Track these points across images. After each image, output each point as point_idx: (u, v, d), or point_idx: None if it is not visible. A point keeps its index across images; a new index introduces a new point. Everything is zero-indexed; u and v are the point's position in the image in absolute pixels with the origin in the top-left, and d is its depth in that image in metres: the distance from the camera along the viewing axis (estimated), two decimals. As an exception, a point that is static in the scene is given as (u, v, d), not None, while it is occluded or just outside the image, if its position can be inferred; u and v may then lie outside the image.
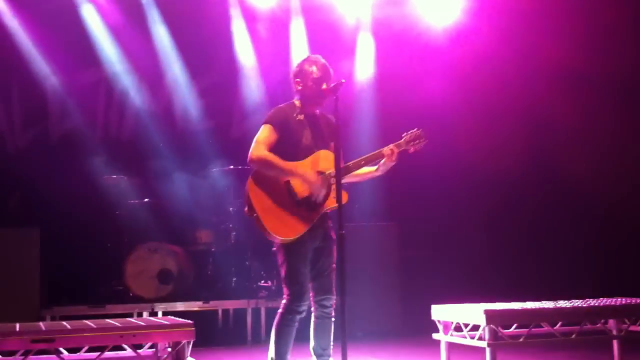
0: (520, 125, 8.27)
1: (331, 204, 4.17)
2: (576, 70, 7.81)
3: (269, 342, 4.29)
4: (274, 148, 4.19)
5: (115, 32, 8.05)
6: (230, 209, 7.33)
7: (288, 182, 4.16)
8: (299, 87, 4.32)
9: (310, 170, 4.18)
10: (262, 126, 4.25)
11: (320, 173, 4.19)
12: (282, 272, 4.22)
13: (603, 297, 4.99)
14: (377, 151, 4.24)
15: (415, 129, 4.30)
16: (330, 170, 4.15)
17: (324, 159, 4.22)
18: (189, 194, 7.75)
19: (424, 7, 8.37)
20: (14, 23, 7.71)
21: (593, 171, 7.81)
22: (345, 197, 3.97)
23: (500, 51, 8.10)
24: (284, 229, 4.10)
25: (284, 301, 4.23)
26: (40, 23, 7.76)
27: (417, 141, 4.27)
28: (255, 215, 4.12)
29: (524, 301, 4.76)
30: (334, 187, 4.06)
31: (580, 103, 7.94)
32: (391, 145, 4.23)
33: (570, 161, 8.02)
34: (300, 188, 4.16)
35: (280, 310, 4.25)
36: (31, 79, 7.85)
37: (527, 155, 8.22)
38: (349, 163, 4.25)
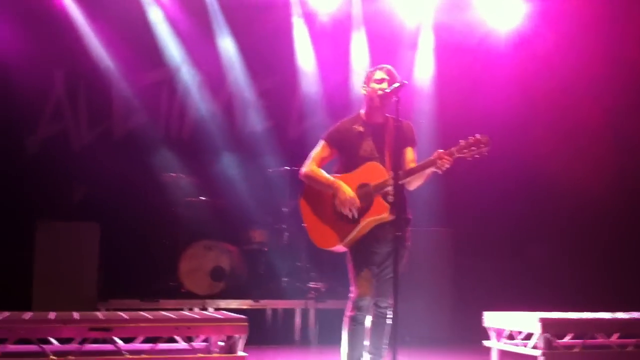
0: (585, 133, 8.08)
1: (375, 214, 4.19)
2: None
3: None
4: (334, 161, 4.41)
5: (180, 34, 8.22)
6: (285, 209, 7.39)
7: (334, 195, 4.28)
8: (364, 92, 4.42)
9: (348, 186, 4.24)
10: (319, 141, 4.44)
11: (364, 186, 4.24)
12: (349, 271, 4.31)
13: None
14: (429, 159, 4.12)
15: (476, 135, 4.09)
16: (376, 182, 4.19)
17: (373, 171, 4.24)
18: (245, 193, 7.86)
19: (486, 12, 8.27)
20: (82, 22, 7.93)
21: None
22: (385, 211, 4.09)
23: (564, 57, 7.95)
24: (321, 239, 4.32)
25: (349, 297, 4.29)
26: (107, 24, 7.97)
27: (475, 148, 4.06)
28: (303, 224, 4.41)
29: (580, 312, 4.67)
30: (378, 198, 4.15)
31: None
32: (442, 152, 4.07)
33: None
34: (339, 200, 4.24)
35: (346, 311, 4.31)
36: (97, 78, 8.07)
37: (591, 165, 8.00)
38: (401, 172, 4.22)
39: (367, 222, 4.21)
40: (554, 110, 8.15)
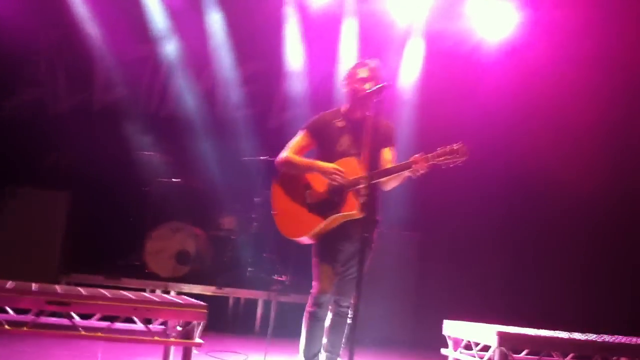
0: (578, 142, 8.07)
1: (345, 210, 4.20)
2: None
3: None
4: (308, 153, 4.41)
5: (170, 11, 8.13)
6: (256, 199, 7.37)
7: (307, 184, 4.29)
8: (345, 89, 4.41)
9: (319, 183, 4.26)
10: (299, 131, 4.44)
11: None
12: (313, 266, 4.33)
13: (618, 333, 4.91)
14: (405, 162, 4.13)
15: (454, 144, 4.08)
16: (350, 178, 4.19)
17: (348, 166, 4.24)
18: (219, 178, 7.81)
19: (478, 21, 8.27)
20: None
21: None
22: (355, 208, 4.12)
23: (555, 65, 7.96)
24: (288, 229, 4.34)
25: (310, 293, 4.32)
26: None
27: (451, 157, 4.06)
28: (273, 213, 4.40)
29: (538, 328, 4.71)
30: (350, 194, 4.15)
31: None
32: (418, 157, 4.08)
33: (622, 185, 7.83)
34: (315, 189, 4.26)
35: (306, 307, 4.33)
36: (82, 47, 7.95)
37: (584, 174, 7.97)
38: (375, 172, 4.22)
39: (336, 217, 4.22)
40: (543, 119, 8.15)
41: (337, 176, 4.20)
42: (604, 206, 7.92)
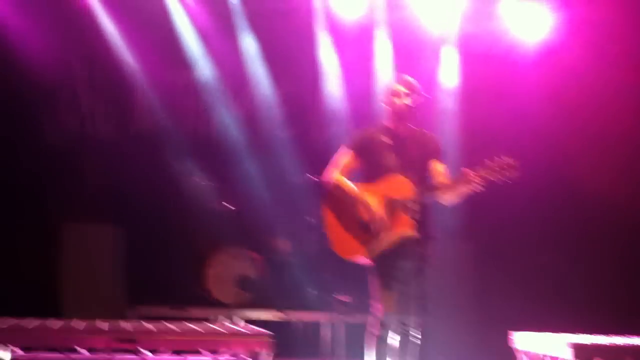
0: (616, 144, 7.93)
1: (400, 230, 4.17)
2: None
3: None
4: (355, 169, 4.38)
5: (203, 36, 8.16)
6: (309, 219, 7.35)
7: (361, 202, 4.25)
8: (385, 105, 4.41)
9: (373, 197, 4.22)
10: (343, 148, 4.44)
11: (389, 199, 4.21)
12: (372, 287, 4.30)
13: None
14: (458, 177, 4.11)
15: (503, 157, 4.03)
16: (402, 196, 4.16)
17: (398, 184, 4.21)
18: (270, 202, 7.83)
19: (512, 22, 8.13)
20: (106, 21, 7.90)
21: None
22: (410, 228, 4.09)
23: (592, 67, 7.83)
24: (342, 248, 4.32)
25: (372, 313, 4.28)
26: (131, 22, 7.89)
27: (503, 170, 4.00)
28: (324, 229, 4.39)
29: (607, 334, 4.58)
30: (403, 213, 4.13)
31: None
32: (472, 174, 4.03)
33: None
34: (364, 213, 4.23)
35: (369, 328, 4.29)
36: (121, 79, 8.03)
37: (624, 178, 7.83)
38: (428, 187, 4.20)
39: (392, 237, 4.19)
40: (582, 121, 8.02)
41: (379, 226, 4.17)
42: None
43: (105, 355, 4.27)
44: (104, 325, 4.37)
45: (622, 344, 4.29)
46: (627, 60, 7.78)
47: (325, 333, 6.97)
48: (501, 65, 8.24)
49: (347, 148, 4.42)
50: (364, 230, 4.25)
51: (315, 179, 7.03)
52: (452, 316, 7.00)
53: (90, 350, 4.30)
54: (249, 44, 8.30)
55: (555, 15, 8.03)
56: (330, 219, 4.38)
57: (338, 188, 4.35)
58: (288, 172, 7.84)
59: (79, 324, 4.37)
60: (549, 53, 8.12)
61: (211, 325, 4.83)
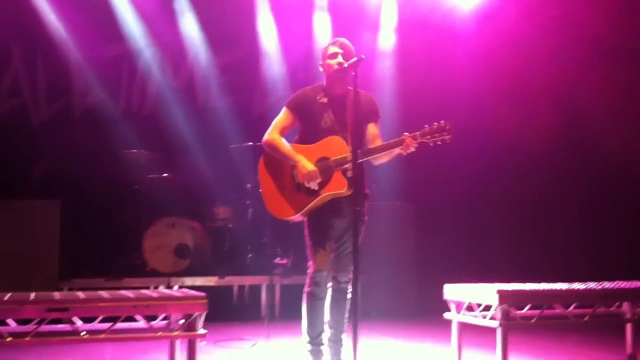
0: (549, 106, 8.15)
1: (333, 189, 4.22)
2: (610, 46, 7.65)
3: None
4: (295, 130, 4.40)
5: (140, 8, 8.07)
6: (248, 185, 7.35)
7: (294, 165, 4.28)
8: (321, 68, 4.42)
9: (308, 159, 4.25)
10: (282, 109, 4.42)
11: (324, 159, 4.25)
12: (307, 246, 4.35)
13: (619, 279, 4.93)
14: (393, 140, 4.17)
15: (441, 122, 4.12)
16: (337, 156, 4.20)
17: (334, 145, 4.26)
18: (207, 170, 7.79)
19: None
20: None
21: (626, 153, 7.63)
22: (343, 186, 4.16)
23: (528, 30, 7.99)
24: (277, 209, 4.34)
25: (307, 273, 4.33)
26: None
27: (438, 135, 4.10)
28: (260, 191, 4.42)
29: (539, 282, 4.72)
30: (338, 172, 4.18)
31: (615, 80, 7.76)
32: (409, 136, 4.11)
33: (601, 143, 7.87)
34: (298, 172, 4.27)
35: (304, 287, 4.34)
36: (55, 53, 7.90)
37: (552, 137, 8.09)
38: (364, 149, 4.24)
39: (325, 195, 4.24)
40: (517, 84, 8.19)
41: (313, 182, 4.20)
42: (599, 157, 7.96)
43: (34, 326, 4.17)
44: (32, 295, 4.27)
45: (547, 289, 4.43)
46: (559, 27, 7.95)
47: (264, 296, 7.03)
48: (438, 30, 8.34)
49: (285, 108, 4.42)
50: (297, 189, 4.28)
51: (253, 145, 7.05)
52: (390, 273, 7.12)
53: (18, 322, 4.20)
54: (187, 14, 8.22)
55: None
56: (266, 180, 4.40)
57: (273, 148, 4.34)
58: (228, 140, 7.78)
59: (6, 296, 4.26)
60: (485, 18, 8.26)
61: (144, 291, 4.79)
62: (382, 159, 4.31)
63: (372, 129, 4.38)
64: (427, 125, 4.14)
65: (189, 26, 8.28)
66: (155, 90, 8.34)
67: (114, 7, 7.99)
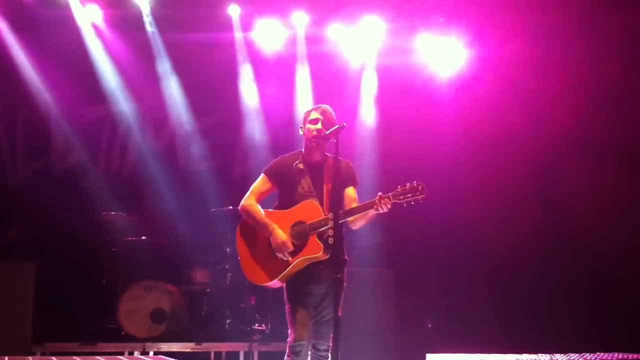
0: (526, 173, 8.24)
1: (309, 253, 4.20)
2: (585, 111, 7.81)
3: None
4: (274, 196, 4.42)
5: (122, 70, 8.13)
6: (227, 249, 7.29)
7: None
8: (301, 131, 4.47)
9: (284, 224, 4.26)
10: (261, 175, 4.47)
11: (299, 223, 4.26)
12: (286, 313, 4.30)
13: (601, 351, 4.92)
14: (368, 201, 4.15)
15: (413, 182, 4.09)
16: (312, 220, 4.20)
17: (309, 209, 4.26)
18: (187, 233, 7.73)
19: (428, 56, 8.47)
20: (21, 56, 7.77)
21: (600, 224, 7.70)
22: (319, 250, 4.13)
23: (504, 100, 8.15)
24: (254, 275, 4.34)
25: (287, 341, 4.28)
26: (48, 58, 7.84)
27: (411, 195, 4.06)
28: (238, 258, 4.41)
29: (521, 353, 4.69)
30: (313, 237, 4.17)
31: (588, 152, 7.90)
32: (383, 196, 4.07)
33: (578, 213, 7.95)
34: (272, 239, 4.26)
35: (285, 357, 4.28)
36: (35, 113, 7.90)
37: (534, 206, 8.14)
38: (341, 212, 4.20)
39: (300, 260, 4.22)
40: (495, 152, 8.30)
41: (285, 252, 4.20)
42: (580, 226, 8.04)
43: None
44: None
45: (529, 361, 4.41)
46: (533, 94, 8.14)
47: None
48: (418, 96, 8.50)
49: (263, 174, 4.46)
50: (273, 255, 4.26)
51: (233, 209, 7.02)
52: (370, 341, 7.02)
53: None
54: (169, 77, 8.28)
55: (468, 50, 8.40)
56: (243, 245, 4.40)
57: (248, 214, 4.35)
58: (207, 203, 7.76)
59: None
60: (462, 86, 8.45)
61: (121, 358, 4.69)
62: (359, 222, 4.31)
63: (350, 192, 4.40)
64: (400, 186, 4.11)
65: (172, 89, 8.32)
66: (135, 151, 8.33)
67: (97, 68, 8.03)
